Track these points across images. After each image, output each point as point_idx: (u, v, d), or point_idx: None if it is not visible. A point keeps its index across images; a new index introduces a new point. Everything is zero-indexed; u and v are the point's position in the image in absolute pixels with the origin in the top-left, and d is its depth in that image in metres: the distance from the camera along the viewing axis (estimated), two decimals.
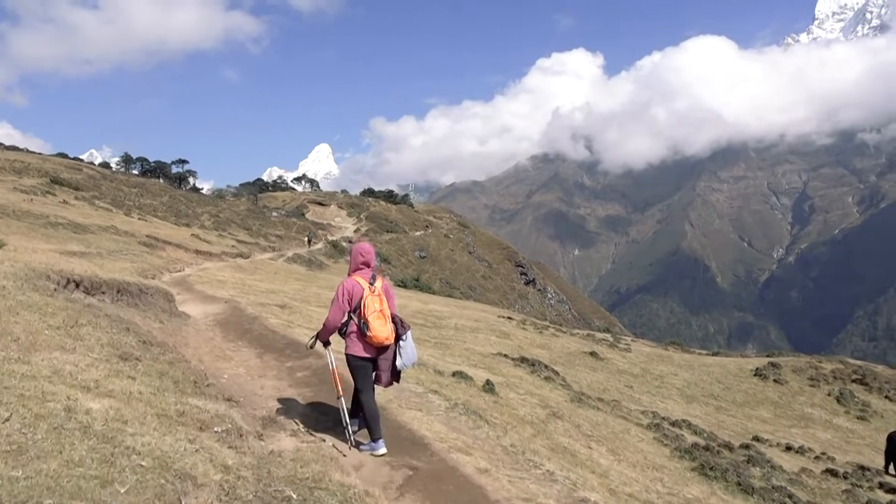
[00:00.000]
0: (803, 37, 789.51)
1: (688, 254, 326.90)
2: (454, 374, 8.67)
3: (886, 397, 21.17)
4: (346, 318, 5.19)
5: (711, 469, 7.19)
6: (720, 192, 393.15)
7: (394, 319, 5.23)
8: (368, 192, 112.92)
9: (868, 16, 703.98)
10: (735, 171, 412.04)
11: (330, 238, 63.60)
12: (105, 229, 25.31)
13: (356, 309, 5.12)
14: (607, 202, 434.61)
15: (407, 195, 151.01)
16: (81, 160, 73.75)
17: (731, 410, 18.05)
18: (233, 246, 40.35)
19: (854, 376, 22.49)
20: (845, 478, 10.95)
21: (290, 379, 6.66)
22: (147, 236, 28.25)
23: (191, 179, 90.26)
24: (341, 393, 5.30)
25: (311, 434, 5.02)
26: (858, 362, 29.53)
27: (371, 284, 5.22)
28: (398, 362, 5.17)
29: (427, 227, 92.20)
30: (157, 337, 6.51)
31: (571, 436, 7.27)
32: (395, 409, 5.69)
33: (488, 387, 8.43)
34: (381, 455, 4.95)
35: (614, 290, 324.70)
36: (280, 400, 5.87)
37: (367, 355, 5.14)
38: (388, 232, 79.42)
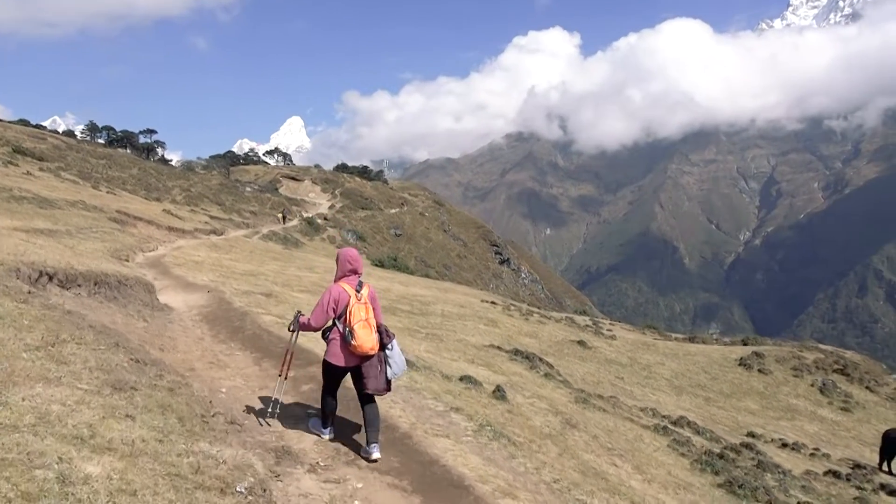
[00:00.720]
0: (777, 22, 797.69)
1: (657, 235, 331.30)
2: (462, 379, 8.15)
3: (867, 388, 21.36)
4: (329, 323, 5.16)
5: (740, 487, 6.84)
6: (690, 175, 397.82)
7: (379, 329, 5.16)
8: (342, 168, 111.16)
9: (841, 3, 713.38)
10: (706, 154, 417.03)
11: (305, 215, 62.38)
12: (73, 204, 24.06)
13: (341, 316, 5.08)
14: (580, 182, 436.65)
15: (381, 171, 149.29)
16: (44, 128, 70.80)
17: (719, 402, 17.96)
18: (206, 222, 39.09)
19: (835, 366, 22.65)
20: (848, 479, 10.80)
21: (296, 392, 6.06)
22: (117, 212, 27.03)
23: (159, 150, 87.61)
24: (286, 374, 5.52)
25: (332, 470, 4.44)
26: (828, 347, 29.96)
27: (358, 292, 5.16)
28: (388, 372, 5.11)
29: (402, 204, 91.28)
30: (151, 353, 5.81)
31: (593, 451, 6.82)
32: (421, 436, 5.13)
33: (499, 393, 7.93)
34: (327, 440, 5.12)
35: (584, 270, 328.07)
36: (289, 420, 5.28)
37: (347, 365, 5.09)
38: (362, 209, 78.30)
